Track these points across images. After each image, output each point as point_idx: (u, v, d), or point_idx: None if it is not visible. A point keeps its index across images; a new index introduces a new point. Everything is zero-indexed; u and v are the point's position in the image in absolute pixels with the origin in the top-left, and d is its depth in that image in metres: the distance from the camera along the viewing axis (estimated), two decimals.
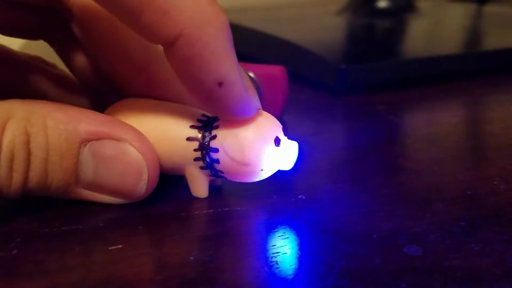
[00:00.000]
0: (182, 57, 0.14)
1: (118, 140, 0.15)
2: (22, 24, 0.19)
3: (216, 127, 0.15)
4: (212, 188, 0.17)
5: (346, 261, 0.13)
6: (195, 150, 0.16)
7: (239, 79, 0.15)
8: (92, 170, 0.15)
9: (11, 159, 0.14)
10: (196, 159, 0.16)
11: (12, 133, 0.14)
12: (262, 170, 0.15)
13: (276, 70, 0.23)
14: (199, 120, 0.16)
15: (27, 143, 0.14)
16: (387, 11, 0.41)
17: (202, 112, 0.16)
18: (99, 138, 0.15)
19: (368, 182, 0.18)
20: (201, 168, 0.16)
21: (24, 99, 0.15)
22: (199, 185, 0.16)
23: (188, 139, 0.16)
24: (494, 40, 0.35)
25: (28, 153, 0.14)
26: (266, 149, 0.15)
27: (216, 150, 0.15)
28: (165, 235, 0.15)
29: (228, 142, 0.15)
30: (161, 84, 0.17)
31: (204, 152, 0.15)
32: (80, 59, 0.20)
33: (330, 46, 0.32)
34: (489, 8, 0.48)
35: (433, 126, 0.23)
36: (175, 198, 0.17)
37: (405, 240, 0.14)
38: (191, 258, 0.14)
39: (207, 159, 0.15)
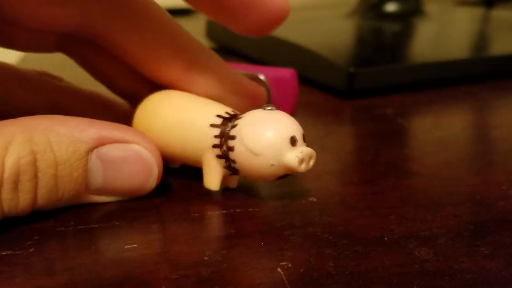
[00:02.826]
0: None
1: (124, 142, 0.16)
2: (41, 42, 0.20)
3: (239, 118, 0.16)
4: (226, 189, 0.17)
5: (358, 263, 0.14)
6: (215, 136, 0.16)
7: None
8: (101, 175, 0.16)
9: (15, 181, 0.14)
10: (214, 146, 0.16)
11: (16, 155, 0.14)
12: (272, 165, 0.15)
13: (287, 73, 0.24)
14: (226, 112, 0.16)
15: (34, 162, 0.14)
16: (395, 15, 0.41)
17: (231, 109, 0.17)
18: (104, 143, 0.16)
19: (378, 185, 0.18)
20: (218, 156, 0.16)
21: (18, 119, 0.15)
22: (213, 175, 0.17)
23: (212, 125, 0.16)
24: (501, 45, 0.35)
25: (35, 172, 0.14)
26: (279, 144, 0.15)
27: (233, 138, 0.16)
28: (179, 235, 0.15)
29: (245, 130, 0.15)
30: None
31: (223, 139, 0.16)
32: (110, 68, 0.20)
33: (339, 49, 0.32)
34: (496, 13, 0.48)
35: (441, 130, 0.23)
36: (188, 199, 0.17)
37: (416, 243, 0.14)
38: (205, 257, 0.14)
39: (224, 147, 0.16)
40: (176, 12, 0.18)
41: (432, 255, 0.14)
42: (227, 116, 0.16)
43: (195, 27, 0.44)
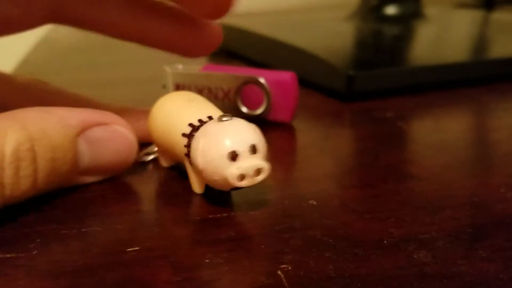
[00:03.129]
0: None
1: (107, 124, 0.18)
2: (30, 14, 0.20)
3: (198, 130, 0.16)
4: (225, 192, 0.17)
5: (357, 266, 0.14)
6: (185, 145, 0.17)
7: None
8: (88, 156, 0.17)
9: (17, 167, 0.15)
10: (186, 154, 0.17)
11: (15, 142, 0.15)
12: (216, 180, 0.15)
13: (287, 76, 0.24)
14: (199, 120, 0.17)
15: (32, 147, 0.15)
16: (395, 17, 0.41)
17: (209, 114, 0.17)
18: (89, 126, 0.17)
19: (378, 188, 0.18)
20: (191, 164, 0.17)
21: (7, 113, 0.16)
22: (192, 180, 0.17)
23: (182, 134, 0.17)
24: (501, 48, 0.35)
25: (34, 157, 0.15)
26: (217, 160, 0.15)
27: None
28: (180, 238, 0.15)
29: (194, 144, 0.16)
30: None
31: (188, 149, 0.16)
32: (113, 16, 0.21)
33: (339, 52, 0.32)
34: (496, 15, 0.49)
35: (440, 133, 0.23)
36: (189, 202, 0.17)
37: (415, 246, 0.15)
38: (206, 260, 0.14)
39: (190, 157, 0.16)
40: None
41: (430, 258, 0.14)
42: (196, 125, 0.17)
43: None
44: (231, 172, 0.15)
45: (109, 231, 0.15)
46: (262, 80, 0.24)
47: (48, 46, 0.43)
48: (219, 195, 0.17)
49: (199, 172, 0.16)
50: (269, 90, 0.24)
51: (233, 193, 0.18)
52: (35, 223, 0.16)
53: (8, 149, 0.15)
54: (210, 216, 0.16)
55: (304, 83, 0.30)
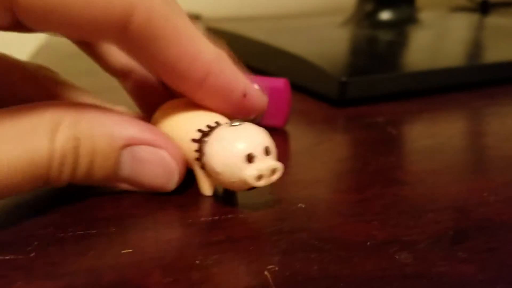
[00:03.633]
0: (211, 89, 0.18)
1: (155, 146, 0.17)
2: None
3: (210, 135, 0.17)
4: (217, 196, 0.18)
5: (340, 267, 0.14)
6: (195, 150, 0.17)
7: (255, 88, 0.19)
8: (129, 169, 0.18)
9: (62, 162, 0.16)
10: (196, 159, 0.17)
11: (63, 139, 0.16)
12: (233, 182, 0.16)
13: (280, 83, 0.25)
14: (207, 126, 0.17)
15: (77, 147, 0.16)
16: (390, 23, 0.42)
17: (217, 119, 0.18)
18: (137, 143, 0.17)
19: (364, 193, 0.19)
20: (201, 167, 0.18)
21: (71, 103, 0.17)
22: (202, 183, 0.18)
23: (192, 140, 0.17)
24: (496, 53, 0.36)
25: (77, 156, 0.16)
26: (235, 163, 0.16)
27: (204, 154, 0.17)
28: (173, 240, 0.16)
29: (209, 149, 0.17)
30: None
31: (199, 154, 0.17)
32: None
33: (332, 58, 0.33)
34: (491, 19, 0.49)
35: (429, 138, 0.24)
36: (183, 206, 0.18)
37: (397, 248, 0.15)
38: (197, 262, 0.15)
39: (201, 162, 0.17)
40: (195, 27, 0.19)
41: (411, 259, 0.15)
42: (206, 130, 0.17)
43: None
44: (250, 173, 0.16)
45: (104, 234, 0.16)
46: (255, 86, 0.24)
47: (49, 51, 0.43)
48: (210, 199, 0.18)
49: (215, 175, 0.17)
50: None
51: (224, 197, 0.18)
52: (33, 226, 0.16)
53: (58, 145, 0.16)
54: (202, 219, 0.17)
55: (297, 88, 0.31)
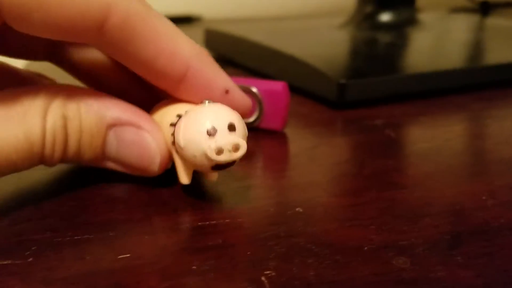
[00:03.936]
0: (192, 85, 0.18)
1: (137, 127, 0.18)
2: (30, 49, 0.21)
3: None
4: (214, 200, 0.18)
5: (338, 272, 0.14)
6: (171, 134, 0.17)
7: (237, 87, 0.20)
8: (115, 148, 0.18)
9: (53, 141, 0.17)
10: (172, 143, 0.17)
11: (53, 118, 0.17)
12: (195, 156, 0.16)
13: (279, 86, 0.24)
14: (186, 112, 0.17)
15: (65, 126, 0.17)
16: (390, 24, 0.42)
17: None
18: (122, 124, 0.18)
19: (361, 196, 0.19)
20: (176, 152, 0.18)
21: (62, 86, 0.18)
22: (179, 171, 0.18)
23: (170, 124, 0.18)
24: (496, 54, 0.36)
25: (66, 134, 0.17)
26: (196, 136, 0.16)
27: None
28: (169, 245, 0.16)
29: (177, 126, 0.17)
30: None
31: (173, 137, 0.17)
32: (101, 72, 0.21)
33: (331, 60, 0.33)
34: (491, 20, 0.49)
35: (427, 141, 0.24)
36: (179, 211, 0.18)
37: (394, 252, 0.15)
38: (193, 267, 0.15)
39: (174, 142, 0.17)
40: (175, 20, 0.19)
41: (409, 264, 0.15)
42: (183, 114, 0.17)
43: (194, 36, 0.44)
44: (209, 145, 0.16)
45: (101, 239, 0.16)
46: (254, 89, 0.24)
47: None
48: (207, 203, 0.18)
49: (180, 152, 0.17)
50: (261, 99, 0.24)
51: (222, 201, 0.18)
52: (31, 231, 0.16)
53: (48, 124, 0.17)
54: (199, 223, 0.17)
55: (296, 90, 0.31)
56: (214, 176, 0.18)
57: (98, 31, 0.16)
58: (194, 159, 0.16)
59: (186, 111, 0.17)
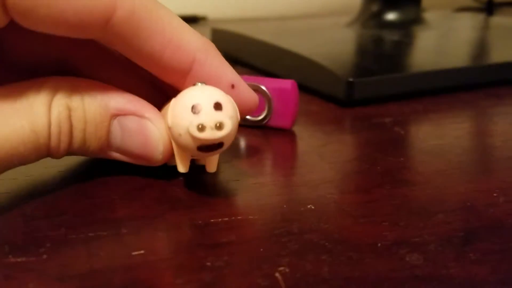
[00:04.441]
0: (198, 78, 0.18)
1: (140, 117, 0.18)
2: (40, 64, 0.21)
3: None
4: (226, 197, 0.18)
5: (351, 269, 0.14)
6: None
7: (243, 82, 0.19)
8: (120, 138, 0.18)
9: (59, 131, 0.17)
10: (169, 128, 0.17)
11: (57, 109, 0.17)
12: (180, 135, 0.16)
13: (287, 84, 0.25)
14: None
15: (69, 117, 0.17)
16: (396, 23, 0.42)
17: None
18: (126, 113, 0.18)
19: (374, 193, 0.19)
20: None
21: (65, 77, 0.18)
22: (178, 159, 0.18)
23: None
24: (502, 53, 0.36)
25: (71, 125, 0.17)
26: (181, 113, 0.16)
27: None
28: (183, 241, 0.16)
29: (167, 106, 0.17)
30: None
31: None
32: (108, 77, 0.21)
33: (339, 58, 0.33)
34: (497, 19, 0.49)
35: (437, 138, 0.24)
36: (193, 207, 0.18)
37: (407, 249, 0.15)
38: (208, 263, 0.15)
39: None
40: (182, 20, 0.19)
41: (422, 261, 0.15)
42: None
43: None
44: (191, 121, 0.16)
45: (115, 235, 0.16)
46: (263, 88, 0.24)
47: None
48: (220, 200, 0.18)
49: (169, 132, 0.17)
50: (270, 97, 0.24)
51: (235, 198, 0.18)
52: (45, 228, 0.16)
53: (53, 115, 0.17)
54: (212, 220, 0.17)
55: (305, 89, 0.31)
56: (212, 166, 0.18)
57: (104, 25, 0.16)
58: (180, 138, 0.16)
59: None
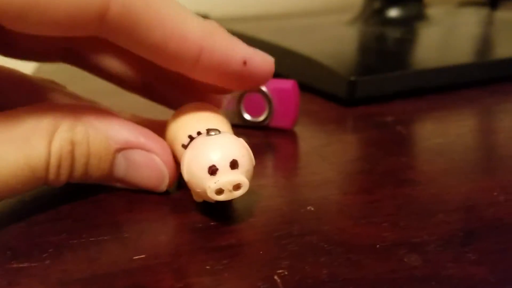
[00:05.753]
0: (208, 64, 0.18)
1: (147, 150, 0.18)
2: (42, 50, 0.21)
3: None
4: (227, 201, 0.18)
5: (350, 271, 0.14)
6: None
7: (255, 52, 0.19)
8: (123, 170, 0.18)
9: (58, 165, 0.17)
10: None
11: (59, 144, 0.17)
12: (198, 191, 0.16)
13: (288, 84, 0.25)
14: (198, 132, 0.17)
15: (72, 151, 0.17)
16: (398, 20, 0.42)
17: (209, 127, 0.18)
18: (131, 147, 0.18)
19: (375, 194, 0.19)
20: None
21: (68, 105, 0.18)
22: (191, 190, 0.18)
23: (182, 145, 0.18)
24: (506, 48, 0.36)
25: (72, 159, 0.17)
26: (198, 173, 0.16)
27: None
28: (184, 245, 0.16)
29: (183, 157, 0.17)
30: None
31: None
32: (121, 67, 0.21)
33: (340, 57, 0.33)
34: (501, 14, 0.49)
35: (440, 137, 0.24)
36: (193, 211, 0.18)
37: (406, 250, 0.15)
38: (207, 267, 0.15)
39: None
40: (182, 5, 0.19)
41: (421, 262, 0.15)
42: (194, 137, 0.17)
43: None
44: (209, 186, 0.16)
45: (117, 239, 0.16)
46: (264, 89, 0.25)
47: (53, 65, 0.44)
48: (221, 203, 0.18)
49: (186, 182, 0.17)
50: (271, 98, 0.25)
51: (236, 201, 0.18)
52: (47, 233, 0.17)
53: (54, 149, 0.16)
54: (212, 223, 0.17)
55: (306, 88, 0.31)
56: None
57: (99, 22, 0.16)
58: (198, 194, 0.17)
59: (198, 135, 0.17)
